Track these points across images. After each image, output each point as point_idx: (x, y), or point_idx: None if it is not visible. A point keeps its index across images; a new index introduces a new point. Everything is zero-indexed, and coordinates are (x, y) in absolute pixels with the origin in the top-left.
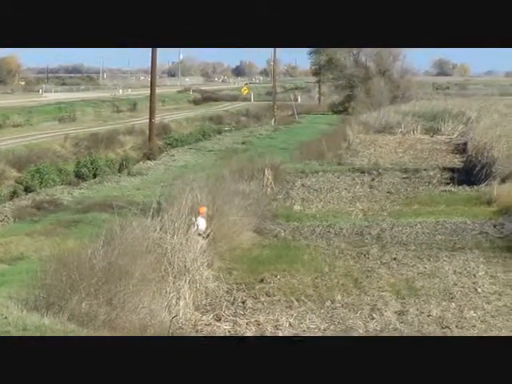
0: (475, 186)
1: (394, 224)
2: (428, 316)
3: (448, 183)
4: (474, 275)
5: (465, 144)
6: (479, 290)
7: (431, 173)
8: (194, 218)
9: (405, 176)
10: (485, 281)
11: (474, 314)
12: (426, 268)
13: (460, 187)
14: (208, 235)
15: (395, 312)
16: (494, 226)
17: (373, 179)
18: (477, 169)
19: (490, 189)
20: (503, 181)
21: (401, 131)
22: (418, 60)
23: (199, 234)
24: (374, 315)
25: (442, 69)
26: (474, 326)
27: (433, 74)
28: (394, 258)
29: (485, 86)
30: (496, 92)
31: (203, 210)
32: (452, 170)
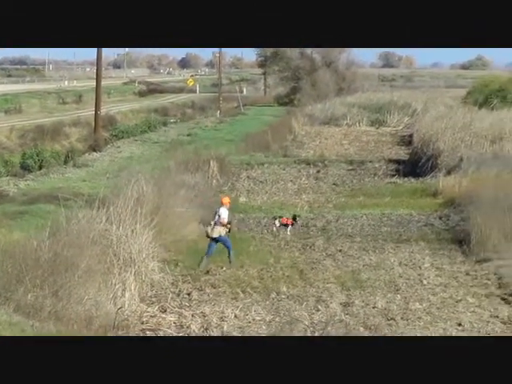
0: (421, 178)
1: (339, 216)
2: (373, 308)
3: (393, 175)
4: (420, 267)
5: (410, 136)
6: (425, 281)
7: (377, 165)
8: (216, 209)
9: (350, 168)
10: (430, 273)
11: (420, 306)
12: (371, 260)
13: (406, 179)
14: (229, 223)
15: (340, 304)
16: (440, 218)
17: (318, 171)
18: (422, 161)
19: (436, 181)
20: (449, 173)
21: (346, 123)
22: (363, 52)
23: (222, 224)
24: (319, 307)
25: (388, 61)
26: (420, 318)
27: (378, 66)
28: (340, 250)
29: (431, 78)
30: (442, 84)
31: (227, 200)
32: (398, 161)
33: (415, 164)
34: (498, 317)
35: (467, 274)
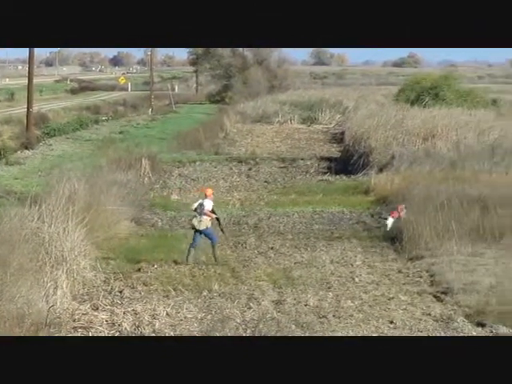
0: (352, 176)
1: (271, 213)
2: (305, 305)
3: (325, 173)
4: (352, 264)
5: (342, 133)
6: (356, 279)
7: (308, 162)
8: (200, 200)
9: (282, 165)
10: (362, 270)
11: (352, 304)
12: (303, 257)
13: (337, 177)
14: (213, 211)
15: (272, 301)
16: (372, 216)
17: (250, 169)
18: (354, 158)
19: (368, 178)
20: (380, 170)
21: (278, 121)
22: (295, 49)
23: (208, 215)
24: (251, 304)
25: (320, 58)
26: (352, 316)
27: (310, 64)
28: (272, 248)
29: (362, 75)
30: (373, 82)
31: (210, 192)
32: (329, 159)
33: (347, 161)
34: (430, 314)
35: (399, 271)
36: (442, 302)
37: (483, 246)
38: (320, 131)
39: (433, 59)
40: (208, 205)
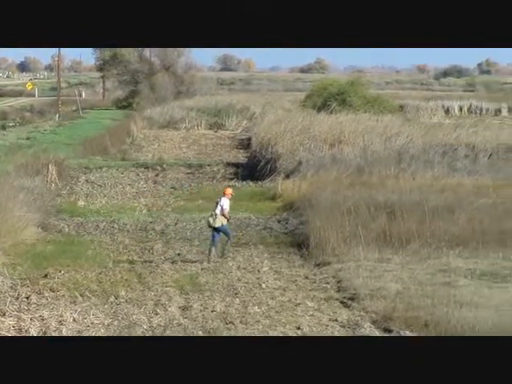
0: (259, 182)
1: (178, 219)
2: (212, 311)
3: (232, 178)
4: (259, 271)
5: (249, 139)
6: (263, 285)
7: (215, 168)
8: (218, 199)
9: (189, 171)
10: (269, 276)
11: (258, 310)
12: (210, 263)
13: (244, 182)
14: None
15: (179, 307)
16: (279, 222)
17: (157, 174)
18: (261, 164)
19: (275, 184)
20: (287, 176)
21: (185, 126)
22: (202, 55)
23: (223, 215)
24: (158, 310)
25: (227, 64)
26: (259, 322)
27: (217, 70)
28: (178, 254)
29: (269, 81)
30: (280, 87)
31: (229, 191)
32: (236, 165)
33: (254, 167)
34: (337, 320)
35: (306, 277)
36: (348, 307)
37: (390, 251)
38: (227, 137)
39: (339, 65)
40: (226, 204)
